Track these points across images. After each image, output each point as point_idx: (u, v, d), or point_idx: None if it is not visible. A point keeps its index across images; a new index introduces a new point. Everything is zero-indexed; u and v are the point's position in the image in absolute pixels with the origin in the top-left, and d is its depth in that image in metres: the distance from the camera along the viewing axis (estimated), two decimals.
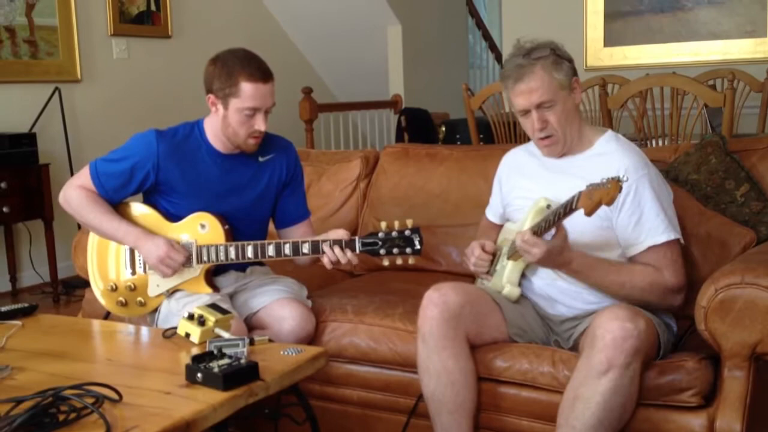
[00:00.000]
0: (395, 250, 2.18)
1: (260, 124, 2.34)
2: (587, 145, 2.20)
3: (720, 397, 1.92)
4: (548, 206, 2.11)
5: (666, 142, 3.96)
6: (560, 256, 2.02)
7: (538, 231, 2.02)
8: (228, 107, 2.32)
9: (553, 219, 1.97)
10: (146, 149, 2.38)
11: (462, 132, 5.26)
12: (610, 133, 2.22)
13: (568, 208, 1.86)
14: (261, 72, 2.32)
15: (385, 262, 2.19)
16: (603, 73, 4.84)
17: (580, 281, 2.10)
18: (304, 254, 2.28)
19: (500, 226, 2.43)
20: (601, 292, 2.11)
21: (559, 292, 2.18)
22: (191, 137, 2.43)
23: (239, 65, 2.31)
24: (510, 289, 2.19)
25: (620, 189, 1.72)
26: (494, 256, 2.29)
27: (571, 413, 1.91)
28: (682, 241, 2.13)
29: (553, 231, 2.00)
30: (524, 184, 2.30)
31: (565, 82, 2.13)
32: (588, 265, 2.04)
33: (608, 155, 2.14)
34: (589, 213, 1.78)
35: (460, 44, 7.54)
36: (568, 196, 1.94)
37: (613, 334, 1.86)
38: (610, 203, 1.74)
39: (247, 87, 2.29)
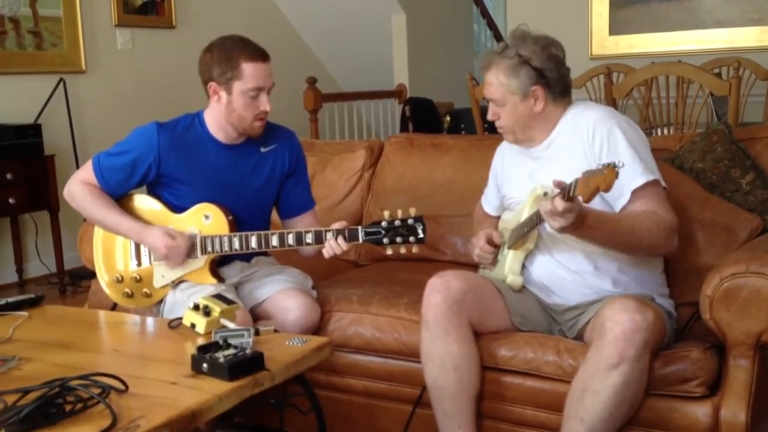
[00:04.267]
0: (399, 239, 2.18)
1: (265, 105, 2.35)
2: (556, 123, 2.20)
3: (725, 386, 1.92)
4: (545, 194, 2.11)
5: (671, 131, 3.96)
6: (578, 218, 1.90)
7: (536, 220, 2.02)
8: (232, 92, 2.33)
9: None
10: (148, 142, 2.38)
11: (467, 121, 5.24)
12: (577, 101, 2.26)
13: (566, 196, 1.84)
14: (259, 52, 2.34)
15: (389, 251, 2.19)
16: (608, 62, 4.82)
17: (592, 239, 2.02)
18: (307, 244, 2.28)
19: (496, 218, 2.43)
20: (611, 248, 2.07)
21: (556, 282, 2.17)
22: (192, 129, 2.43)
23: (237, 48, 2.32)
24: (513, 279, 2.20)
25: (617, 175, 1.71)
26: (497, 247, 2.29)
27: (579, 405, 1.91)
28: (663, 183, 2.10)
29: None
30: (517, 174, 2.30)
31: (518, 89, 2.14)
32: (599, 219, 1.98)
33: (576, 118, 2.17)
34: (587, 200, 1.77)
35: (465, 33, 7.51)
36: (556, 174, 1.94)
37: (623, 326, 1.86)
38: (607, 190, 1.74)
39: (248, 67, 2.30)
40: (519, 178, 2.29)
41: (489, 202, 2.49)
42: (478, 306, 2.13)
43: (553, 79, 2.15)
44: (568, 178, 1.84)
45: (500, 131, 2.27)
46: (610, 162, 1.73)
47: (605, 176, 1.71)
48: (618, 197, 2.05)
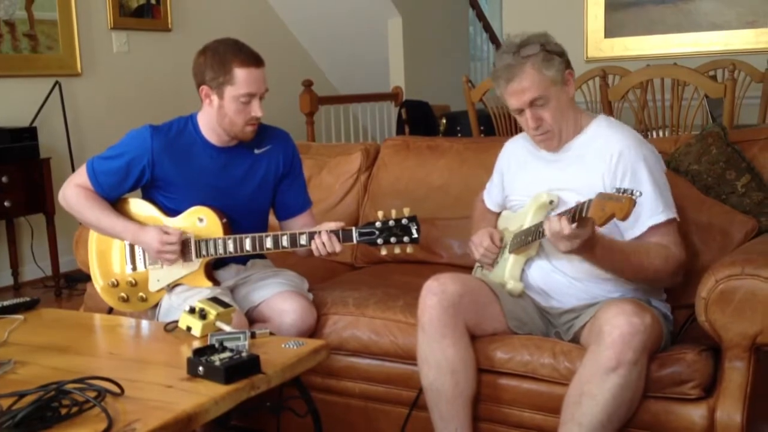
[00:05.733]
0: (393, 239, 2.17)
1: (257, 111, 2.34)
2: (579, 130, 2.19)
3: (720, 388, 1.92)
4: (551, 201, 2.11)
5: (667, 133, 3.96)
6: (586, 244, 1.90)
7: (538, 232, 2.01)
8: (223, 96, 2.32)
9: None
10: (141, 145, 2.38)
11: (463, 124, 5.25)
12: (602, 116, 2.24)
13: (576, 216, 1.83)
14: (253, 57, 2.33)
15: (384, 252, 2.19)
16: (604, 65, 4.83)
17: (599, 266, 2.04)
18: (302, 245, 2.28)
19: (497, 214, 2.43)
20: (616, 276, 2.07)
21: (554, 287, 2.17)
22: (185, 132, 2.43)
23: (231, 53, 2.31)
24: (513, 285, 2.18)
25: (634, 204, 1.70)
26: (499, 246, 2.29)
27: (577, 410, 1.91)
28: (678, 219, 2.11)
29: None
30: (524, 176, 2.30)
31: (557, 77, 2.11)
32: (609, 249, 1.98)
33: (602, 138, 2.15)
34: (600, 224, 1.77)
35: (461, 36, 7.52)
36: (565, 185, 1.93)
37: (620, 329, 1.86)
38: (624, 218, 1.72)
39: (241, 73, 2.29)
40: (524, 181, 2.28)
41: (492, 199, 2.48)
42: (475, 309, 2.13)
43: (569, 60, 2.15)
44: (578, 192, 1.83)
45: (544, 137, 2.16)
46: (628, 189, 1.72)
47: (623, 205, 1.69)
48: (631, 227, 2.05)
